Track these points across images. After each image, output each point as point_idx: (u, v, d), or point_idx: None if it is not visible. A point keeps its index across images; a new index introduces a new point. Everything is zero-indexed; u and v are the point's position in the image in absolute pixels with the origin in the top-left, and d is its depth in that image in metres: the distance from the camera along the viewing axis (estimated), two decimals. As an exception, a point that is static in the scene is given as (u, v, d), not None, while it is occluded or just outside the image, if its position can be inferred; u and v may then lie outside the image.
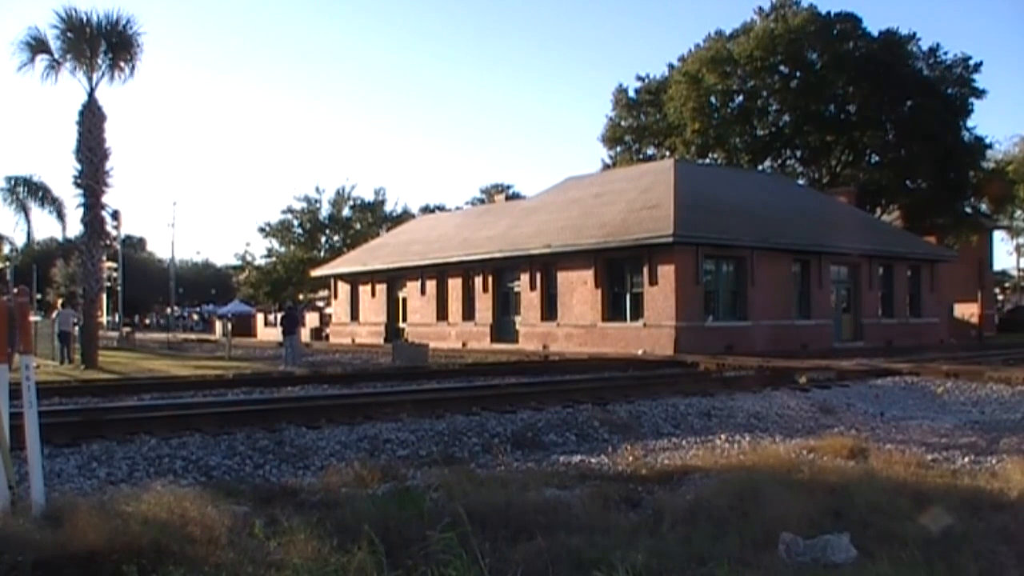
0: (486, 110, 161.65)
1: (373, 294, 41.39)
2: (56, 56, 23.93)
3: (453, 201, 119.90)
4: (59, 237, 59.38)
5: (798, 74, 48.34)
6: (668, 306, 27.33)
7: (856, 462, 7.54)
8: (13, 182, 33.41)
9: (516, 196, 58.44)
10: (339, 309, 44.75)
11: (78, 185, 24.03)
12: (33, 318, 17.29)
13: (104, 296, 37.86)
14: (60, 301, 32.49)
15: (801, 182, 50.18)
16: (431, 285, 37.57)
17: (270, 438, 9.10)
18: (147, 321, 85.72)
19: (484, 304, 34.84)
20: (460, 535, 4.31)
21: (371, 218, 71.22)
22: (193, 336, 53.13)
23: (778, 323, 29.64)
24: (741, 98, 49.78)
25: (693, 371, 19.71)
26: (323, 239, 70.77)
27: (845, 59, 46.45)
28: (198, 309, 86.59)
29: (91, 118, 23.94)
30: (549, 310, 31.76)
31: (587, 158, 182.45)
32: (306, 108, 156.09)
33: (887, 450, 8.25)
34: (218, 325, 53.69)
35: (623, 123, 54.38)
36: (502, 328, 33.98)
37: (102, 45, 23.99)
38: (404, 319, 39.43)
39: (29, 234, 38.80)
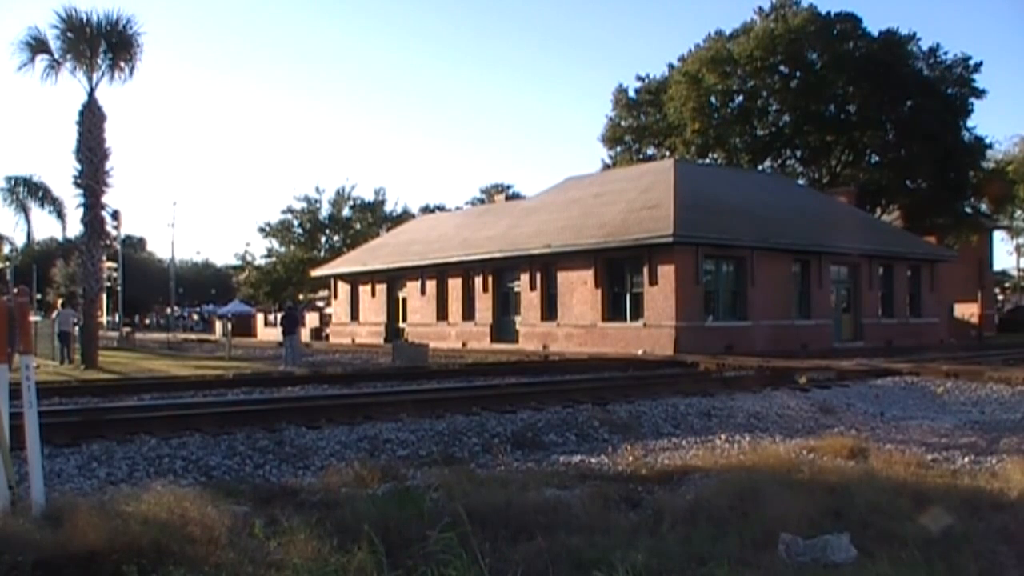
0: (486, 110, 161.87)
1: (373, 294, 41.40)
2: (56, 56, 23.95)
3: (453, 201, 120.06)
4: (59, 237, 59.47)
5: (798, 74, 48.35)
6: (668, 306, 27.33)
7: (856, 462, 7.54)
8: (13, 182, 33.43)
9: (516, 196, 58.44)
10: (339, 309, 44.75)
11: (78, 185, 24.03)
12: (33, 318, 17.29)
13: (104, 296, 37.87)
14: (60, 301, 32.49)
15: (801, 182, 50.18)
16: (431, 285, 37.58)
17: (270, 438, 9.10)
18: (147, 321, 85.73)
19: (484, 304, 34.84)
20: (460, 535, 4.31)
21: (371, 218, 71.23)
22: (193, 336, 53.13)
23: (778, 323, 29.65)
24: (741, 98, 49.79)
25: (693, 371, 19.71)
26: (323, 239, 70.79)
27: (845, 59, 46.46)
28: (198, 309, 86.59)
29: (91, 118, 23.94)
30: (549, 310, 31.76)
31: (587, 158, 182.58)
32: (306, 108, 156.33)
33: (887, 450, 8.25)
34: (218, 325, 53.69)
35: (623, 123, 54.39)
36: (502, 328, 33.98)
37: (102, 45, 23.98)
38: (404, 319, 39.44)
39: (29, 234, 38.84)
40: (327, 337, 43.97)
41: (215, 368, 22.08)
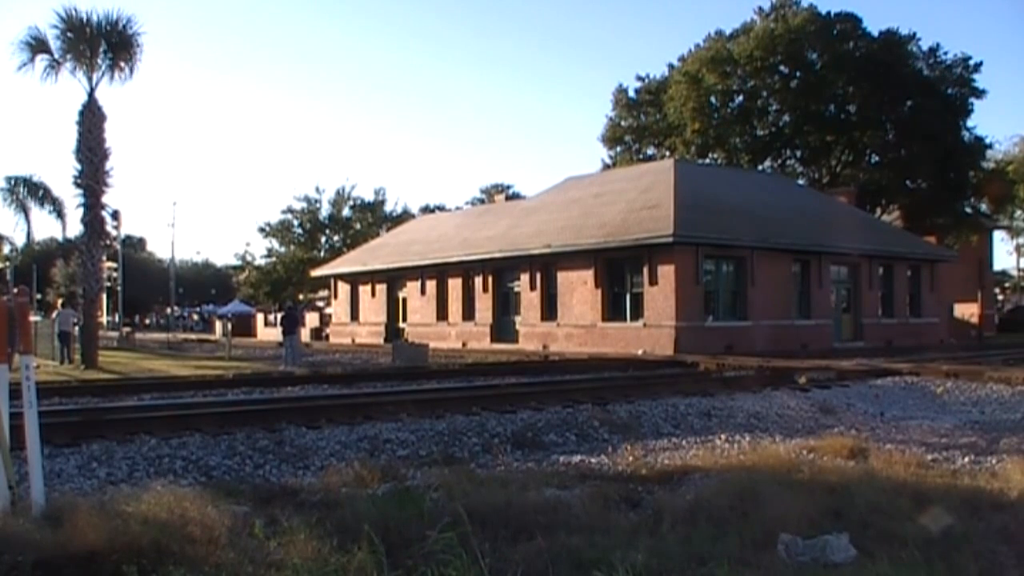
0: (486, 110, 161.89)
1: (373, 294, 41.40)
2: (56, 56, 23.95)
3: (453, 201, 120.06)
4: (59, 237, 59.54)
5: (798, 74, 48.35)
6: (668, 306, 27.33)
7: (856, 462, 7.54)
8: (13, 182, 33.47)
9: (516, 196, 58.45)
10: (339, 309, 44.76)
11: (78, 185, 24.03)
12: (33, 318, 17.29)
13: (104, 296, 37.87)
14: (60, 301, 32.49)
15: (801, 182, 50.18)
16: (431, 285, 37.58)
17: (270, 438, 9.10)
18: (147, 321, 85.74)
19: (484, 304, 34.84)
20: (460, 535, 4.31)
21: (371, 218, 71.24)
22: (193, 336, 53.13)
23: (778, 323, 29.64)
24: (741, 98, 49.79)
25: (693, 371, 19.71)
26: (323, 239, 70.79)
27: (845, 59, 46.46)
28: (198, 309, 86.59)
29: (91, 118, 23.94)
30: (549, 310, 31.76)
31: (587, 158, 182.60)
32: (306, 108, 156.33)
33: (887, 450, 8.25)
34: (218, 325, 53.70)
35: (623, 123, 54.39)
36: (502, 328, 33.98)
37: (102, 45, 23.99)
38: (404, 319, 39.44)
39: (29, 234, 38.91)
40: (327, 337, 43.97)
41: (215, 368, 22.08)
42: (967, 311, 44.41)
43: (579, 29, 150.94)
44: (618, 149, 54.88)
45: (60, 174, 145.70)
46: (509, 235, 34.44)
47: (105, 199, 24.57)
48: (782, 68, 48.42)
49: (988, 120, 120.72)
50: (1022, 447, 8.80)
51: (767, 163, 51.99)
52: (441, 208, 76.79)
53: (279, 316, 33.76)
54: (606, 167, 53.88)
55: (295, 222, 70.12)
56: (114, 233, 42.00)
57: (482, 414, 10.93)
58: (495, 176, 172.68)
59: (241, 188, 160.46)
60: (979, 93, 47.99)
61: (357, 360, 26.85)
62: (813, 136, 49.66)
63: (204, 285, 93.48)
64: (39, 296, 59.96)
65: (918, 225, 44.24)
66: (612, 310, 29.62)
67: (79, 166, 23.87)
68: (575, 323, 30.44)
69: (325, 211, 70.40)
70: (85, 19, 23.83)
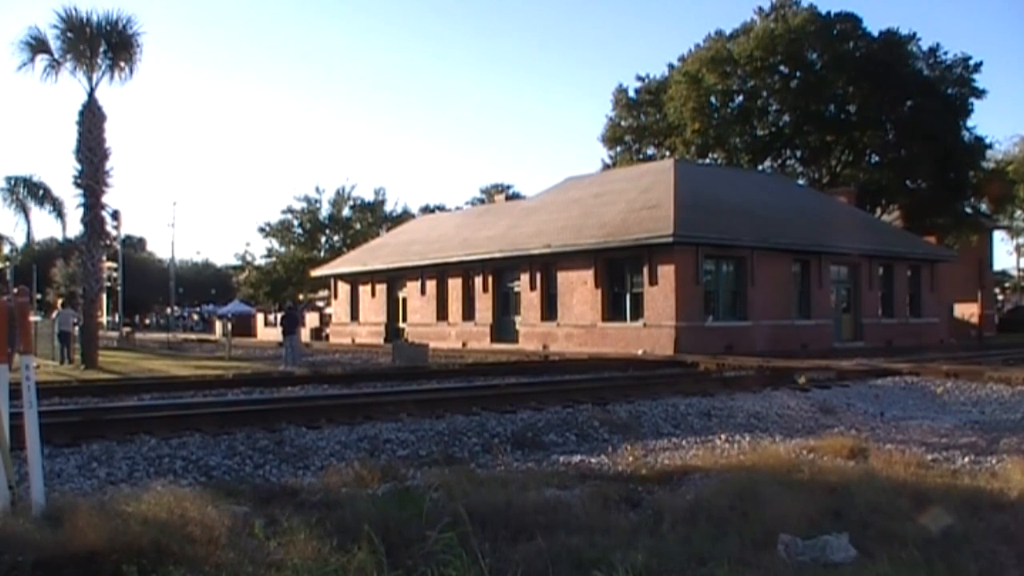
0: (486, 110, 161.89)
1: (373, 294, 41.40)
2: (56, 56, 23.94)
3: (453, 201, 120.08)
4: (59, 237, 59.56)
5: (798, 74, 48.36)
6: (668, 306, 27.33)
7: (856, 462, 7.54)
8: (13, 182, 33.44)
9: (516, 196, 58.46)
10: (339, 309, 44.76)
11: (78, 185, 24.03)
12: (33, 318, 17.29)
13: (104, 296, 37.87)
14: (60, 301, 32.49)
15: (801, 182, 50.19)
16: (431, 285, 37.58)
17: (270, 438, 9.10)
18: (147, 321, 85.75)
19: (484, 304, 34.85)
20: (460, 535, 4.31)
21: (371, 218, 71.24)
22: (193, 336, 53.13)
23: (778, 323, 29.65)
24: (741, 98, 49.80)
25: (693, 371, 19.71)
26: (323, 239, 70.80)
27: (845, 59, 46.46)
28: (198, 309, 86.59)
29: (91, 118, 23.94)
30: (549, 310, 31.77)
31: (587, 158, 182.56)
32: (306, 108, 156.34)
33: (887, 450, 8.25)
34: (218, 325, 53.71)
35: (623, 123, 54.40)
36: (502, 328, 33.99)
37: (102, 45, 23.98)
38: (404, 319, 39.44)
39: (29, 234, 38.84)
40: (327, 337, 43.97)
41: (215, 368, 22.08)
42: (967, 311, 44.42)
43: (579, 29, 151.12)
44: (618, 149, 54.90)
45: (60, 174, 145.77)
46: (509, 235, 34.44)
47: (105, 199, 24.60)
48: (782, 68, 48.42)
49: (988, 120, 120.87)
50: (1022, 447, 8.80)
51: (767, 163, 52.00)
52: (441, 208, 76.82)
53: (279, 316, 33.76)
54: (606, 167, 53.89)
55: (295, 222, 70.14)
56: (114, 233, 42.01)
57: (482, 414, 10.93)
58: (495, 176, 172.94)
59: (241, 188, 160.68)
60: (979, 93, 48.03)
61: (357, 360, 26.85)
62: (813, 136, 49.67)
63: (204, 285, 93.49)
64: (39, 296, 59.96)
65: (918, 225, 44.25)
66: (612, 310, 29.62)
67: (79, 166, 23.87)
68: (575, 323, 30.44)
69: (325, 211, 70.44)
70: (85, 19, 23.83)
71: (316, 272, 47.97)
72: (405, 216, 68.00)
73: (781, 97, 48.88)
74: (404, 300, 39.73)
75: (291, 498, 6.06)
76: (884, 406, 12.99)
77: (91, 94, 24.01)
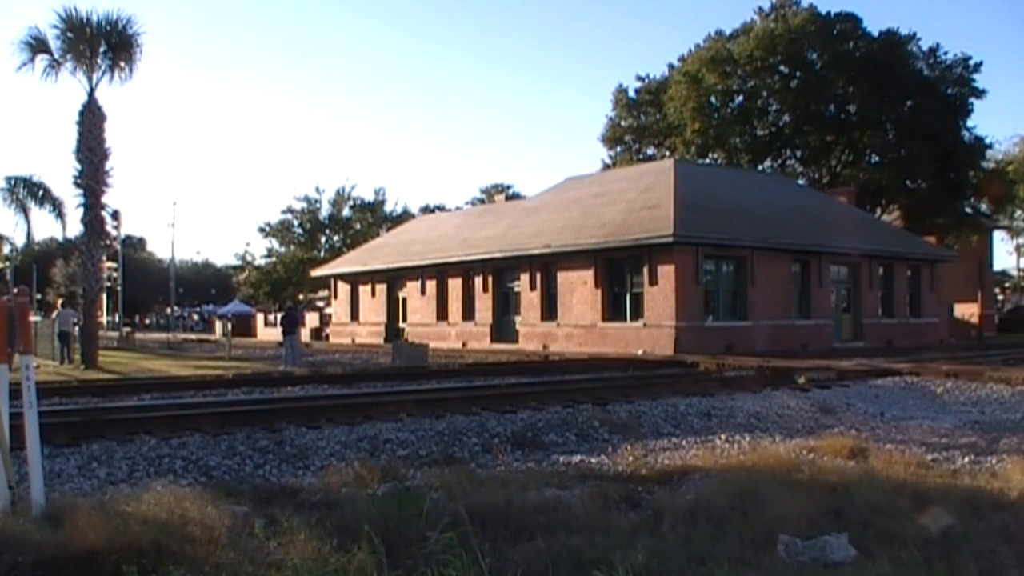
0: (486, 110, 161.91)
1: (373, 294, 41.40)
2: (56, 56, 23.93)
3: (453, 201, 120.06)
4: (59, 237, 59.51)
5: (798, 74, 48.36)
6: (668, 306, 27.33)
7: (856, 462, 7.54)
8: (13, 182, 33.37)
9: (516, 196, 58.46)
10: (339, 309, 44.76)
11: (78, 185, 24.03)
12: (33, 318, 17.28)
13: (104, 296, 37.88)
14: (60, 301, 32.48)
15: (801, 182, 50.19)
16: (431, 285, 37.58)
17: (270, 438, 9.10)
18: (147, 321, 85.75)
19: (484, 304, 34.85)
20: (460, 535, 4.31)
21: (371, 218, 71.26)
22: (193, 336, 53.13)
23: (778, 323, 29.65)
24: (741, 98, 49.80)
25: (693, 371, 19.71)
26: (323, 239, 70.82)
27: (845, 59, 46.47)
28: (198, 309, 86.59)
29: (91, 118, 23.94)
30: (549, 310, 31.77)
31: (587, 158, 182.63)
32: (306, 108, 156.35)
33: (887, 450, 8.25)
34: (218, 325, 53.70)
35: (623, 123, 54.40)
36: (502, 328, 33.98)
37: (102, 45, 23.97)
38: (404, 319, 39.44)
39: (29, 234, 38.69)
40: (327, 337, 43.97)
41: (215, 368, 22.08)
42: (967, 311, 44.41)
43: (579, 29, 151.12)
44: (618, 149, 54.90)
45: (60, 174, 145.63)
46: (509, 235, 34.44)
47: (105, 199, 24.59)
48: (782, 68, 48.43)
49: (988, 120, 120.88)
50: (1022, 447, 8.80)
51: (767, 163, 52.00)
52: (441, 208, 76.82)
53: (279, 316, 33.76)
54: (606, 167, 53.89)
55: (295, 222, 70.16)
56: (114, 233, 42.03)
57: (482, 414, 10.93)
58: (495, 176, 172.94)
59: (241, 188, 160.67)
60: (979, 93, 48.04)
61: (357, 360, 26.85)
62: (813, 136, 49.67)
63: (204, 285, 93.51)
64: (39, 296, 59.97)
65: (918, 225, 44.25)
66: (612, 310, 29.62)
67: (79, 166, 23.86)
68: (575, 323, 30.44)
69: (325, 211, 70.46)
70: (85, 19, 23.82)
71: (316, 272, 47.98)
72: (405, 216, 68.01)
73: (781, 97, 48.89)
74: (404, 300, 39.73)
75: (291, 498, 6.06)
76: (884, 406, 12.99)
77: (91, 94, 24.02)
